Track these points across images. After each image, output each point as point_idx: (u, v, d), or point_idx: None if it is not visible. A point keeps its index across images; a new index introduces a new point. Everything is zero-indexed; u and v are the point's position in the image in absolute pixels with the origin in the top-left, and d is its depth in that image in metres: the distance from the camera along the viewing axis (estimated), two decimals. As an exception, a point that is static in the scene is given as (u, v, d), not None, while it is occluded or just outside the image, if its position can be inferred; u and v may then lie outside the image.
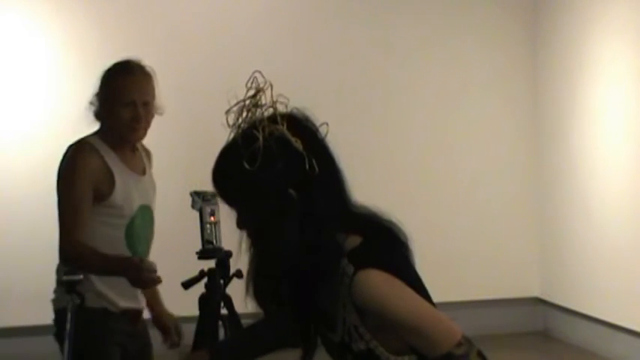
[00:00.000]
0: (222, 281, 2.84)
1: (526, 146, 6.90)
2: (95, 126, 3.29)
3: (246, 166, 1.80)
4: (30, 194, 6.17)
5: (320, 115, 6.87)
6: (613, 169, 5.85)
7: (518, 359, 6.33)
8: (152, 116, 3.16)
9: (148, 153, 3.33)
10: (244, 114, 1.87)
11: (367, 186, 6.66)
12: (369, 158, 6.65)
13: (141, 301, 3.19)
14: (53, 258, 5.87)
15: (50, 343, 5.68)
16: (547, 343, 6.64)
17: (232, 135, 1.88)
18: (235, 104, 1.88)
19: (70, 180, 3.16)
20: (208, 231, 2.95)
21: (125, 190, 3.13)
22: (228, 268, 2.91)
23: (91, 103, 3.24)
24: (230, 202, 1.90)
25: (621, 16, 5.77)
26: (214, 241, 2.91)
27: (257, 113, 1.86)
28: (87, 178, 3.10)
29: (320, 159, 1.87)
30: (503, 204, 6.87)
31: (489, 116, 6.87)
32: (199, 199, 3.00)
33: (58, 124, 6.25)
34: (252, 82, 1.89)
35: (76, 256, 3.14)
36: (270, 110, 1.86)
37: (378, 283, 1.81)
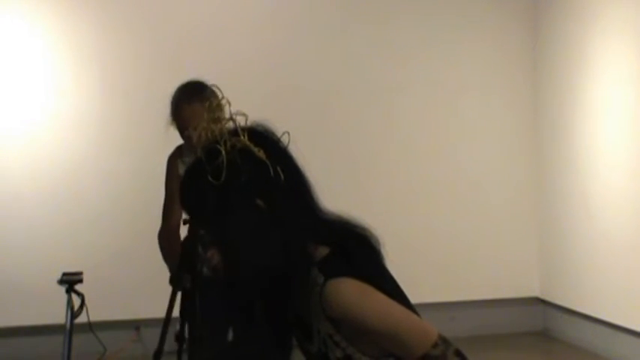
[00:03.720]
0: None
1: (526, 146, 6.90)
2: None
3: (212, 180, 1.81)
4: (29, 194, 6.17)
5: (319, 115, 6.87)
6: (613, 169, 5.85)
7: (518, 359, 6.33)
8: None
9: None
10: (205, 132, 1.88)
11: (366, 186, 6.71)
12: (369, 158, 6.65)
13: None
14: (53, 258, 5.91)
15: (50, 343, 5.70)
16: (547, 343, 6.64)
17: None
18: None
19: (166, 178, 3.78)
20: None
21: None
22: None
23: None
24: (200, 219, 1.91)
25: (621, 15, 5.77)
26: None
27: (217, 128, 1.87)
28: (174, 176, 3.70)
29: (284, 167, 1.87)
30: (503, 204, 6.87)
31: (489, 116, 6.86)
32: (184, 165, 3.58)
33: (56, 124, 6.26)
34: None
35: (161, 243, 3.73)
36: (231, 124, 1.88)
37: (349, 292, 1.80)
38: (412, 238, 6.48)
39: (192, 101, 3.64)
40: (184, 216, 3.54)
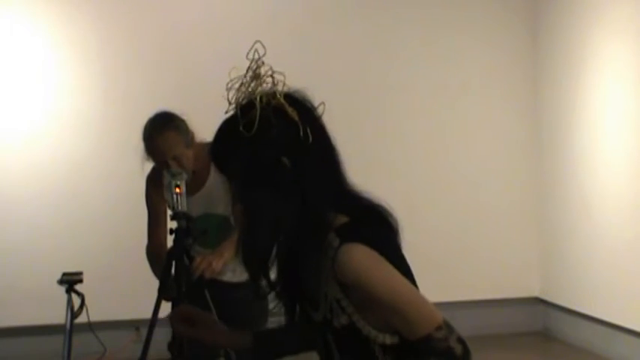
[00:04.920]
0: (185, 237, 3.57)
1: (526, 146, 6.90)
2: None
3: (243, 132, 1.84)
4: (29, 194, 6.18)
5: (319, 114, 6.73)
6: (613, 169, 5.85)
7: (518, 359, 6.33)
8: (188, 158, 3.61)
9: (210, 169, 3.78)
10: (244, 88, 1.92)
11: (367, 186, 6.69)
12: (369, 158, 6.64)
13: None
14: (52, 258, 5.91)
15: (50, 343, 5.71)
16: (547, 343, 6.65)
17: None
18: (237, 78, 1.93)
19: (145, 198, 3.86)
20: (174, 199, 3.54)
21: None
22: (189, 227, 3.56)
23: None
24: (227, 172, 1.92)
25: (621, 15, 5.77)
26: (179, 207, 3.51)
27: (256, 85, 1.92)
28: (152, 196, 3.80)
29: (315, 132, 1.91)
30: (503, 204, 6.87)
31: (489, 115, 6.87)
32: (169, 175, 3.57)
33: (57, 124, 6.26)
34: (254, 53, 1.97)
35: (150, 259, 3.79)
36: (269, 81, 1.93)
37: (362, 257, 1.81)
38: (412, 238, 6.44)
39: (163, 131, 3.64)
40: (170, 225, 3.66)
